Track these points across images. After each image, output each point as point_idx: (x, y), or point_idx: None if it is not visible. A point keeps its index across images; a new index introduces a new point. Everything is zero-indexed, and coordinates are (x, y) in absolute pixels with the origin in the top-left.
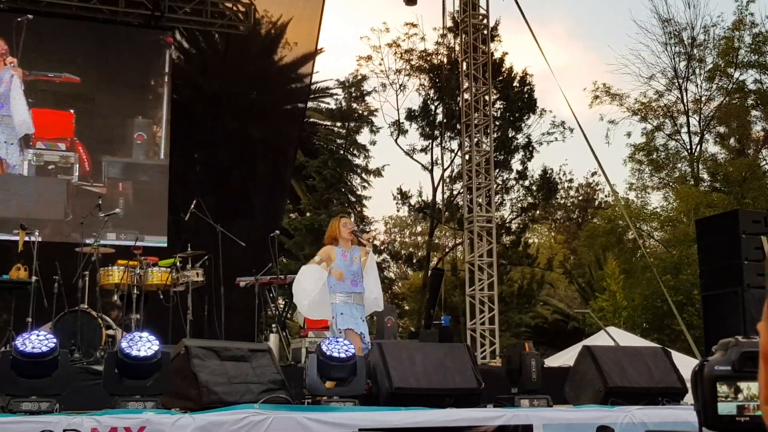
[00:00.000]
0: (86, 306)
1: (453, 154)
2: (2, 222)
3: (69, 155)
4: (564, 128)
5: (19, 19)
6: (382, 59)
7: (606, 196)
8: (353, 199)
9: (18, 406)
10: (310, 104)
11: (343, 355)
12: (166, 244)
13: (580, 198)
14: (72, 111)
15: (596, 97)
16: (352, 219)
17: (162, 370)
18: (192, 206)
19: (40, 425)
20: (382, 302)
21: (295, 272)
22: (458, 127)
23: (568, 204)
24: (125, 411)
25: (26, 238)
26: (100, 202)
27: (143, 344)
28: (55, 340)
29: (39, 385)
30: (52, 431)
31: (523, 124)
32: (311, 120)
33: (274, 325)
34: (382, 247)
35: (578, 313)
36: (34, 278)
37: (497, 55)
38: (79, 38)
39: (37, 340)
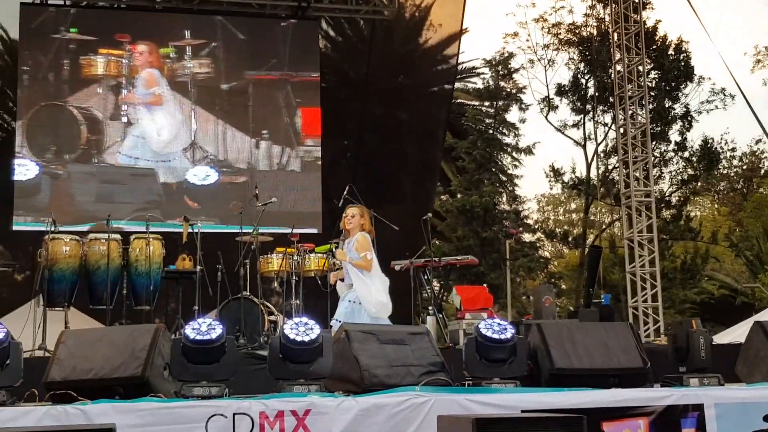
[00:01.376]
0: (248, 293)
1: (607, 128)
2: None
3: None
4: (724, 95)
5: (283, 24)
6: (529, 35)
7: None
8: (504, 179)
9: (190, 390)
10: (457, 85)
11: (502, 336)
12: (318, 231)
13: (745, 167)
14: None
15: (758, 61)
16: (351, 211)
17: (324, 354)
18: (345, 192)
19: (212, 409)
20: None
21: (448, 254)
22: (611, 100)
23: (732, 174)
24: (291, 395)
25: (189, 230)
26: (257, 191)
27: (305, 329)
28: (222, 327)
29: (208, 371)
30: (223, 415)
31: (680, 94)
32: (459, 101)
33: (430, 308)
34: (536, 226)
35: (747, 287)
36: (198, 268)
37: (649, 23)
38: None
39: (205, 328)
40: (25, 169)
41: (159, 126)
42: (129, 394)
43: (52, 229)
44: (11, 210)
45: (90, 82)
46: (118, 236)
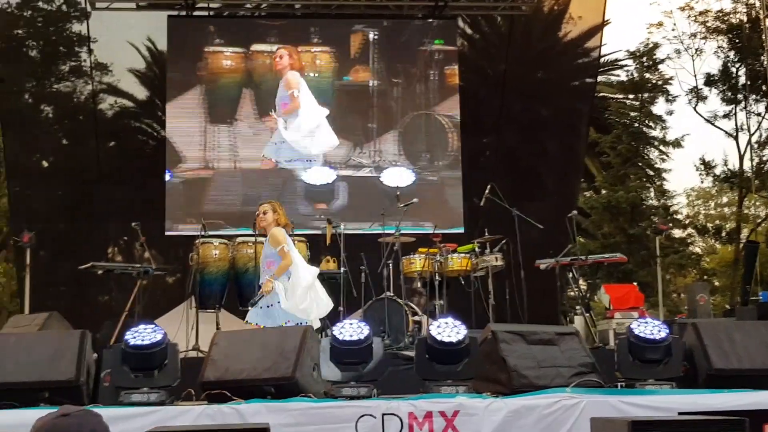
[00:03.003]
0: (392, 294)
1: (760, 118)
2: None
3: None
4: None
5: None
6: (674, 24)
7: None
8: (651, 173)
9: (339, 391)
10: (599, 78)
11: (656, 336)
12: (463, 230)
13: None
14: None
15: None
16: (263, 208)
17: (471, 354)
18: (486, 191)
19: (361, 409)
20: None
21: (594, 252)
22: (764, 88)
23: None
24: (438, 395)
25: (332, 231)
26: (399, 193)
27: (451, 330)
28: (368, 328)
29: (357, 372)
30: (372, 415)
31: None
32: (601, 94)
33: (578, 307)
34: (686, 222)
35: None
36: (342, 269)
37: None
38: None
39: (353, 329)
40: (403, 176)
41: None
42: (280, 394)
43: (203, 233)
44: (163, 215)
45: (453, 91)
46: (264, 239)
